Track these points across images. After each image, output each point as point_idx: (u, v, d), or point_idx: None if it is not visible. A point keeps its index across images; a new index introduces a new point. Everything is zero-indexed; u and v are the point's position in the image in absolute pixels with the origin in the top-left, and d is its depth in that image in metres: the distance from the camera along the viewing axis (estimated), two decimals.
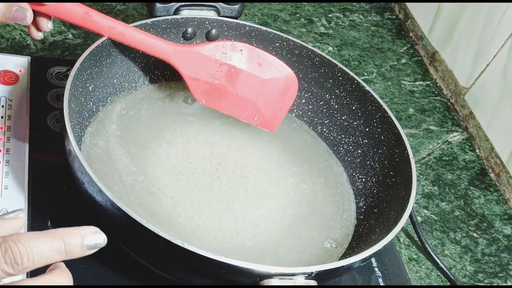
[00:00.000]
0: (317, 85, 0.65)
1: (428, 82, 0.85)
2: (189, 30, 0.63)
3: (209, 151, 0.59)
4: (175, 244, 0.44)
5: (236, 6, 0.65)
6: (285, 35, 0.65)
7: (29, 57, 0.66)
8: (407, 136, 0.70)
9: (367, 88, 0.62)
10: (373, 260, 0.60)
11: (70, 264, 0.51)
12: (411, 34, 0.91)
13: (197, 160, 0.58)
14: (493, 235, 0.68)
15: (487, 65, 0.77)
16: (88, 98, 0.57)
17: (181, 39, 0.63)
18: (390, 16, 0.93)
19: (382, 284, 0.58)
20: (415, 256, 0.64)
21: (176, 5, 0.63)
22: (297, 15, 0.88)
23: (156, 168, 0.56)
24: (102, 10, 0.77)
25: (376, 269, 0.59)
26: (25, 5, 0.50)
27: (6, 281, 0.48)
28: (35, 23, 0.53)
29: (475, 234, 0.68)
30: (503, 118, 0.74)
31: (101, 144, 0.56)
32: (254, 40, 0.65)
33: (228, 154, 0.60)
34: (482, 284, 0.63)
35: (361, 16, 0.92)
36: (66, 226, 0.53)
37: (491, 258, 0.66)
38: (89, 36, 0.73)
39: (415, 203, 0.69)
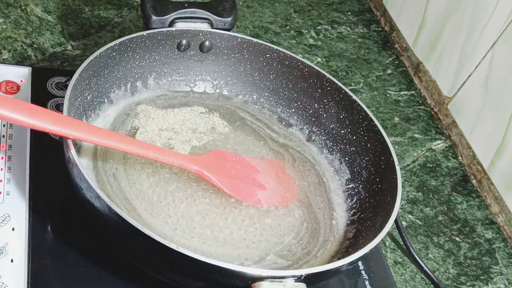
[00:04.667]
0: (306, 95, 0.66)
1: (413, 92, 0.85)
2: (184, 41, 0.64)
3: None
4: (170, 248, 0.45)
5: (229, 19, 0.65)
6: (275, 47, 0.65)
7: (30, 68, 0.65)
8: (393, 144, 0.70)
9: (354, 97, 0.62)
10: (360, 263, 0.60)
11: (69, 267, 0.52)
12: (396, 46, 0.91)
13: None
14: (475, 239, 0.69)
15: (469, 75, 0.77)
16: (87, 107, 0.58)
17: (176, 50, 0.64)
18: (376, 28, 0.93)
19: (368, 286, 0.59)
20: (400, 260, 0.65)
21: (171, 17, 0.63)
22: (287, 27, 0.88)
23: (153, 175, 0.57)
24: (100, 23, 0.78)
25: (363, 272, 0.60)
26: None
27: (10, 285, 0.49)
28: None
29: (457, 238, 0.69)
30: (484, 127, 0.74)
31: (100, 149, 0.57)
32: (246, 51, 0.66)
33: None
34: (464, 286, 0.64)
35: (349, 28, 0.91)
36: (66, 231, 0.55)
37: (473, 261, 0.66)
38: (87, 47, 0.73)
39: (400, 208, 0.69)
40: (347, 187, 0.62)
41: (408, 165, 0.75)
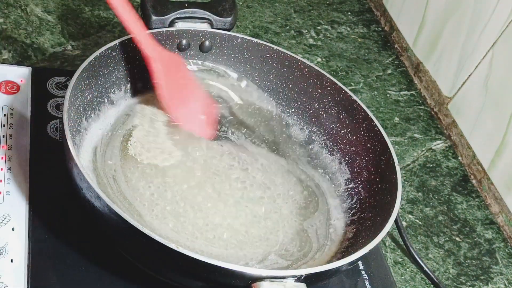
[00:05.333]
0: (306, 95, 0.66)
1: (413, 92, 0.85)
2: (184, 41, 0.64)
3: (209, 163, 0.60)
4: (170, 248, 0.45)
5: (229, 19, 0.65)
6: (275, 47, 0.65)
7: (30, 68, 0.66)
8: (393, 144, 0.70)
9: (354, 97, 0.62)
10: (360, 263, 0.60)
11: (69, 267, 0.52)
12: (396, 46, 0.91)
13: (197, 169, 0.59)
14: (475, 239, 0.69)
15: (469, 75, 0.77)
16: (87, 107, 0.58)
17: (176, 50, 0.64)
18: (376, 28, 0.94)
19: (368, 286, 0.59)
20: (400, 260, 0.65)
21: (171, 17, 0.63)
22: (287, 27, 0.88)
23: (151, 176, 0.57)
24: (100, 23, 0.78)
25: (363, 272, 0.60)
26: None
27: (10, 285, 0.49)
28: None
29: (457, 238, 0.69)
30: (484, 127, 0.75)
31: (99, 151, 0.57)
32: (246, 51, 0.66)
33: (219, 167, 0.60)
34: (464, 286, 0.64)
35: (349, 28, 0.92)
36: (65, 231, 0.55)
37: (473, 261, 0.67)
38: (88, 47, 0.74)
39: (400, 208, 0.69)
40: (347, 187, 0.63)
41: (408, 165, 0.76)
